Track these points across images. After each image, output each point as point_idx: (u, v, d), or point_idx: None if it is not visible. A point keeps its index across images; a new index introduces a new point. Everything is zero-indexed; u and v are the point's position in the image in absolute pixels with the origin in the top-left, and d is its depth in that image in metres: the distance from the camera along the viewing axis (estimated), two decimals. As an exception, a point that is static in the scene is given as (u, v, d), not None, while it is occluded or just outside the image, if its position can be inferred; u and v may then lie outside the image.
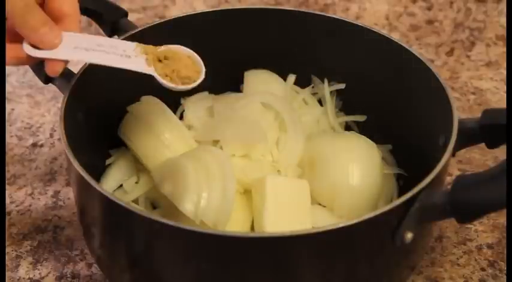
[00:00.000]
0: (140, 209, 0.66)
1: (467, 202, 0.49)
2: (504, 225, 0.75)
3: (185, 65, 0.61)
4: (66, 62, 0.58)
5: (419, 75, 0.67)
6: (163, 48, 0.61)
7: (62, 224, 0.75)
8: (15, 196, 0.79)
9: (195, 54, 0.62)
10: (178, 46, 0.62)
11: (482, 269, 0.70)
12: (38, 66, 0.67)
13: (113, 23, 0.73)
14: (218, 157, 0.65)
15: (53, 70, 0.57)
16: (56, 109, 0.94)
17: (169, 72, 0.60)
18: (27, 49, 0.55)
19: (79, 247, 0.72)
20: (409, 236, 0.53)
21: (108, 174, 0.71)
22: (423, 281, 0.69)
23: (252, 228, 0.64)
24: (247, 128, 0.70)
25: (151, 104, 0.71)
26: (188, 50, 0.62)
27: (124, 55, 0.58)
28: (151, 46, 0.60)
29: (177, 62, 0.61)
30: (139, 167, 0.72)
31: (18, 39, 0.56)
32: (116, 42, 0.60)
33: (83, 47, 0.57)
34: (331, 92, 0.80)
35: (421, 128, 0.69)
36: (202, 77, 0.61)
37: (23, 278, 0.69)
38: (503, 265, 0.70)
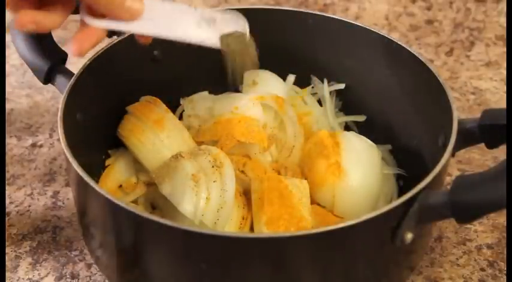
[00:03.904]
0: (139, 209, 0.66)
1: (467, 202, 0.49)
2: (504, 226, 0.75)
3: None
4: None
5: (419, 76, 0.67)
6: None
7: (62, 225, 0.75)
8: (14, 196, 0.79)
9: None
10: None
11: (482, 269, 0.70)
12: (39, 67, 0.67)
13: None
14: (217, 157, 0.65)
15: (146, 40, 0.57)
16: (55, 109, 0.94)
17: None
18: (96, 22, 0.53)
19: (78, 247, 0.72)
20: (408, 236, 0.53)
21: (107, 175, 0.71)
22: (423, 281, 0.69)
23: (252, 228, 0.64)
24: (246, 128, 0.70)
25: (150, 104, 0.71)
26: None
27: (195, 23, 0.56)
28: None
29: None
30: (138, 167, 0.72)
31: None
32: (185, 8, 0.57)
33: (155, 17, 0.55)
34: (330, 92, 0.80)
35: (420, 128, 0.69)
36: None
37: (23, 279, 0.69)
38: (503, 265, 0.70)
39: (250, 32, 0.78)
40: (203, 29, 0.57)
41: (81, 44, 0.54)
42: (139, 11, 0.55)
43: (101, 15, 0.54)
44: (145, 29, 0.55)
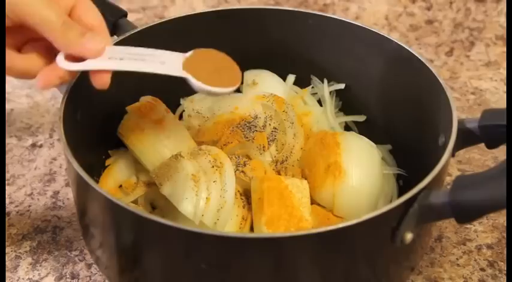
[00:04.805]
0: (139, 209, 0.65)
1: (467, 202, 0.49)
2: (504, 226, 0.75)
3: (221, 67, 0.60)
4: (110, 72, 0.57)
5: (419, 76, 0.67)
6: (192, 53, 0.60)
7: (62, 225, 0.75)
8: (14, 196, 0.79)
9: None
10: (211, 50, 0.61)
11: (482, 269, 0.70)
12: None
13: (112, 23, 0.73)
14: (217, 157, 0.65)
15: (102, 82, 0.56)
16: (55, 109, 0.94)
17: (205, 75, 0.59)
18: (66, 65, 0.55)
19: (78, 247, 0.72)
20: (408, 236, 0.53)
21: (107, 175, 0.71)
22: (423, 281, 0.69)
23: (252, 228, 0.64)
24: (246, 128, 0.70)
25: (150, 104, 0.71)
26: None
27: (159, 62, 0.58)
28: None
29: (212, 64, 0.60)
30: (138, 167, 0.72)
31: (50, 56, 0.55)
32: (149, 51, 0.60)
33: (118, 57, 0.57)
34: (330, 92, 0.80)
35: (420, 128, 0.69)
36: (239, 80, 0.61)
37: (22, 279, 0.69)
38: (503, 265, 0.70)
39: (250, 32, 0.79)
40: (167, 64, 0.58)
41: (47, 78, 0.55)
42: (97, 48, 0.55)
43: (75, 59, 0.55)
44: (114, 66, 0.56)
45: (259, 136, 0.70)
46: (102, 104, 0.70)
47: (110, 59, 0.56)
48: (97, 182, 0.70)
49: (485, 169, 0.51)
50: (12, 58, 0.54)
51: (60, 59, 0.55)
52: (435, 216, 0.53)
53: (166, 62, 0.58)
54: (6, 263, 0.70)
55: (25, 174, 0.83)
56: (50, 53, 0.56)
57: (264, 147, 0.70)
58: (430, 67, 0.66)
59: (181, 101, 0.80)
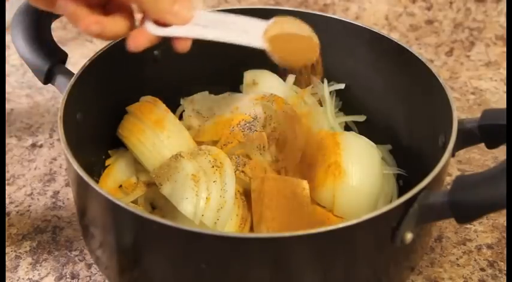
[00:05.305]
0: (139, 209, 0.66)
1: (467, 202, 0.49)
2: (504, 226, 0.75)
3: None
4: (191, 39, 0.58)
5: (419, 76, 0.67)
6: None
7: (62, 225, 0.75)
8: (14, 196, 0.79)
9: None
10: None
11: (482, 269, 0.70)
12: (39, 67, 0.67)
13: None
14: (217, 157, 0.65)
15: (185, 46, 0.58)
16: (55, 109, 0.94)
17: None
18: (155, 30, 0.56)
19: (78, 248, 0.72)
20: (408, 236, 0.53)
21: (107, 175, 0.71)
22: (423, 281, 0.69)
23: (252, 228, 0.64)
24: (246, 128, 0.70)
25: (150, 104, 0.71)
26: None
27: (242, 30, 0.60)
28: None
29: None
30: (138, 167, 0.72)
31: (132, 18, 0.56)
32: (231, 17, 0.61)
33: (202, 24, 0.58)
34: (330, 92, 0.80)
35: (420, 128, 0.69)
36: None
37: (22, 279, 0.69)
38: (503, 265, 0.70)
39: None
40: (249, 34, 0.60)
41: (138, 40, 0.56)
42: (187, 16, 0.57)
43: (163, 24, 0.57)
44: (198, 34, 0.58)
45: (259, 136, 0.70)
46: (102, 104, 0.70)
47: (195, 25, 0.58)
48: (97, 182, 0.70)
49: (485, 169, 0.51)
50: (103, 21, 0.54)
51: (149, 24, 0.56)
52: (435, 216, 0.53)
53: (249, 31, 0.60)
54: (6, 263, 0.70)
55: (25, 174, 0.83)
56: (132, 15, 0.56)
57: (264, 147, 0.70)
58: (430, 67, 0.66)
59: (181, 101, 0.80)
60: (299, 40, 0.62)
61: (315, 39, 0.63)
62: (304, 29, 0.63)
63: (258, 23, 0.60)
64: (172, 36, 0.57)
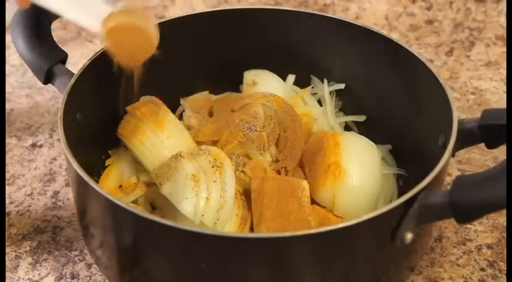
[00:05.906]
0: (139, 209, 0.65)
1: (467, 202, 0.49)
2: (504, 226, 0.75)
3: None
4: None
5: (419, 76, 0.67)
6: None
7: (62, 225, 0.75)
8: (14, 196, 0.79)
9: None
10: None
11: (482, 269, 0.70)
12: (39, 67, 0.67)
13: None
14: (217, 157, 0.65)
15: (24, 3, 0.59)
16: (55, 109, 0.94)
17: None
18: None
19: (78, 248, 0.72)
20: (408, 236, 0.53)
21: (107, 175, 0.71)
22: (423, 281, 0.69)
23: (252, 228, 0.64)
24: (246, 128, 0.70)
25: (150, 104, 0.71)
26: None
27: (87, 10, 0.58)
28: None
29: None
30: (138, 167, 0.72)
31: None
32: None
33: None
34: (330, 92, 0.80)
35: (420, 128, 0.69)
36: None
37: (22, 279, 0.69)
38: (503, 265, 0.70)
39: (250, 32, 0.79)
40: (92, 15, 0.59)
41: None
42: None
43: None
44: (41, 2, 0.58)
45: (259, 136, 0.70)
46: (102, 104, 0.70)
47: None
48: (97, 182, 0.70)
49: (485, 169, 0.51)
50: None
51: None
52: (435, 216, 0.53)
53: (92, 13, 0.58)
54: (6, 263, 0.70)
55: (25, 174, 0.83)
56: None
57: (264, 147, 0.70)
58: (430, 67, 0.66)
59: (181, 101, 0.80)
60: (136, 35, 0.59)
61: (154, 35, 0.60)
62: (145, 23, 0.59)
63: (103, 8, 0.58)
64: None
